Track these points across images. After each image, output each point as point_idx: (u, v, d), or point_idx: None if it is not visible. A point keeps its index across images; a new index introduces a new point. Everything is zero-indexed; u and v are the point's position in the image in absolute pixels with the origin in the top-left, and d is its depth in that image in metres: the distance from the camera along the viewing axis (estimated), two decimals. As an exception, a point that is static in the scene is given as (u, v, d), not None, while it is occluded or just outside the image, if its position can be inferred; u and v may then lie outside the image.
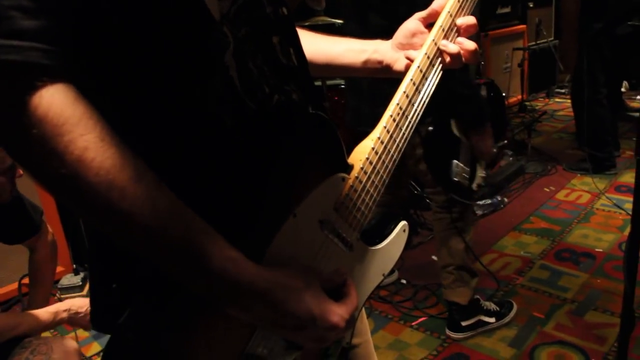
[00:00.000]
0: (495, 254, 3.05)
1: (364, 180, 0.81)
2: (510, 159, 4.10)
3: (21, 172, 1.70)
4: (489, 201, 3.53)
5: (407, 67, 0.90)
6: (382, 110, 0.85)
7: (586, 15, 3.86)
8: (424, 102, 0.88)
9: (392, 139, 0.84)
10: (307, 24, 3.29)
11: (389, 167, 0.85)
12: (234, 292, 0.64)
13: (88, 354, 2.44)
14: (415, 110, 0.87)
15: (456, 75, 1.83)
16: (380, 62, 0.98)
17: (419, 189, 3.21)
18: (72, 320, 1.72)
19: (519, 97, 5.35)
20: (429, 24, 0.94)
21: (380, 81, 1.07)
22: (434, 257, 2.81)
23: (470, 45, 0.90)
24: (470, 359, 2.26)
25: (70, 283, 2.94)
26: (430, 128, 2.09)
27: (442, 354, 2.30)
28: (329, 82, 3.41)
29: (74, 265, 3.01)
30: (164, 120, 0.65)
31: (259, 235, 0.70)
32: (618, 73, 4.07)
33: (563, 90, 6.08)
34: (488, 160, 2.31)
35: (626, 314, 1.69)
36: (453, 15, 0.91)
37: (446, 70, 0.92)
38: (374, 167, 0.82)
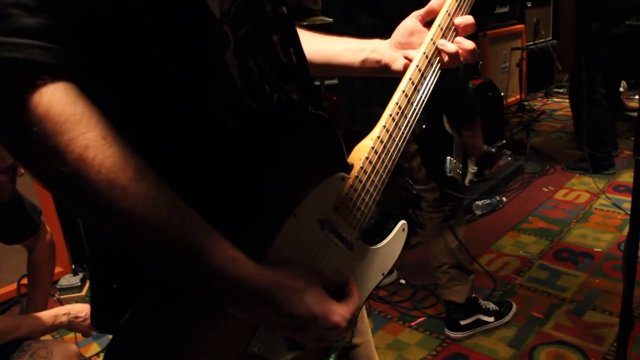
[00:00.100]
0: (494, 253, 3.05)
1: (364, 180, 0.81)
2: (509, 158, 4.10)
3: (22, 171, 1.69)
4: (487, 201, 3.53)
5: (406, 67, 0.90)
6: (375, 109, 0.85)
7: (584, 15, 3.87)
8: (423, 101, 0.89)
9: (392, 138, 0.84)
10: (305, 23, 3.29)
11: (389, 166, 0.85)
12: (234, 292, 0.64)
13: (87, 355, 2.44)
14: (414, 109, 0.87)
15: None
16: (378, 62, 0.98)
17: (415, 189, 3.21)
18: (72, 325, 1.72)
19: (518, 96, 5.37)
20: (426, 22, 0.95)
21: (373, 81, 1.07)
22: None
23: (469, 44, 0.90)
24: (470, 359, 2.25)
25: (69, 283, 2.93)
26: (424, 126, 2.09)
27: (441, 354, 2.30)
28: (327, 82, 3.41)
29: (73, 266, 3.01)
30: (165, 118, 0.65)
31: (259, 235, 0.70)
32: (616, 73, 4.07)
33: (561, 90, 6.09)
34: (478, 156, 2.31)
35: (625, 313, 1.70)
36: (451, 14, 0.91)
37: None
38: (374, 167, 0.82)
